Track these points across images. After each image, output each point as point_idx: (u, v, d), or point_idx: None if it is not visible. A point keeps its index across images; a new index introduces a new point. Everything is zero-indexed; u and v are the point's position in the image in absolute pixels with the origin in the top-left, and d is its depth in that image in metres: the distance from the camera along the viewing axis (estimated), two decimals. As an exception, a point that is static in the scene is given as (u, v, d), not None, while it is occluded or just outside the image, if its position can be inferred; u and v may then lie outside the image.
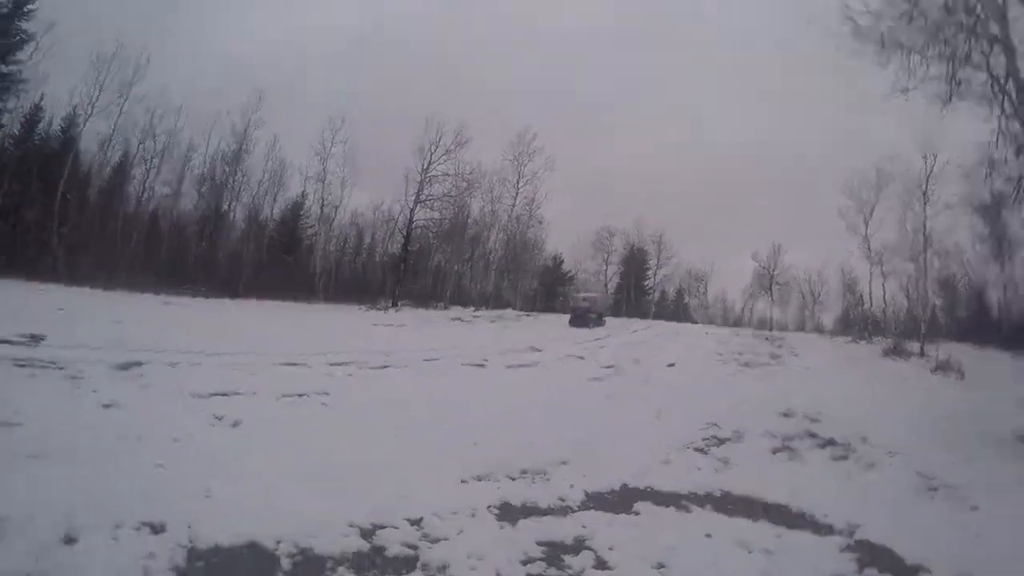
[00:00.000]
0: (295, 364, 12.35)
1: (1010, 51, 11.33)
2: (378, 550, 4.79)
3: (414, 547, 4.88)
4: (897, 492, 7.55)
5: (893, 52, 12.51)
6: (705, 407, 11.90)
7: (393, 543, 4.87)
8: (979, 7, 11.57)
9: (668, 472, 7.85)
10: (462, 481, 6.62)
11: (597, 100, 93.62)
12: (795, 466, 8.76)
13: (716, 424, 10.62)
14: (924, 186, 29.19)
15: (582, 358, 19.13)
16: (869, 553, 5.58)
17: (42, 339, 11.15)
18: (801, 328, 51.00)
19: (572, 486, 6.79)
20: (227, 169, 38.17)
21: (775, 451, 9.47)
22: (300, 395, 9.70)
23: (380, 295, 37.96)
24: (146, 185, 35.75)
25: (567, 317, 34.14)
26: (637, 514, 6.23)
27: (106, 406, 7.63)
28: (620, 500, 6.66)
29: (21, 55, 28.60)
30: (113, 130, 32.78)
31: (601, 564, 4.93)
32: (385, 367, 13.67)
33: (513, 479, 6.92)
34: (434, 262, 46.00)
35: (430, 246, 44.61)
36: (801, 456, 9.27)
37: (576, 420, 10.09)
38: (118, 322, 14.75)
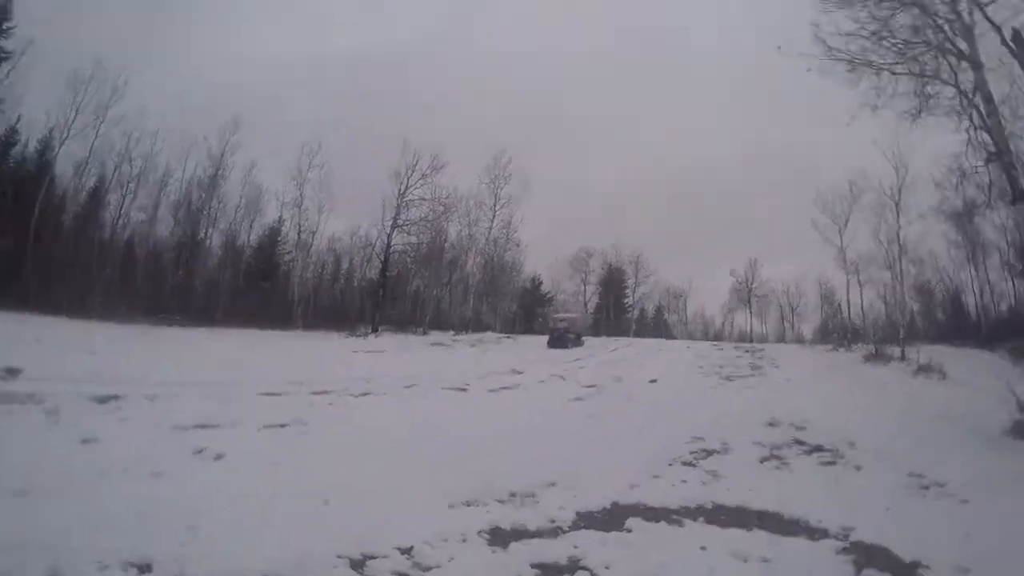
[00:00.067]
0: (276, 394, 12.21)
1: (978, 66, 11.60)
2: (369, 581, 4.69)
3: None
4: (888, 492, 7.55)
5: (863, 71, 12.74)
6: (690, 421, 11.92)
7: (384, 573, 4.77)
8: (947, 26, 11.86)
9: (658, 487, 7.78)
10: (450, 506, 6.50)
11: (573, 123, 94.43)
12: (784, 474, 8.73)
13: (702, 437, 10.61)
14: (897, 197, 29.69)
15: (563, 378, 19.15)
16: (865, 554, 5.55)
17: (19, 372, 10.95)
18: (781, 339, 51.65)
19: (562, 507, 6.69)
20: (203, 195, 37.98)
21: (763, 460, 9.45)
22: (282, 425, 9.57)
23: (359, 321, 37.68)
24: (122, 211, 35.29)
25: (546, 339, 34.14)
26: (629, 531, 6.15)
27: (85, 441, 7.45)
28: (611, 518, 6.57)
29: (-1, 73, 28.15)
30: (89, 154, 32.54)
31: (597, 583, 4.86)
32: (366, 394, 13.55)
33: (502, 502, 6.81)
34: (413, 287, 45.84)
35: (408, 271, 44.49)
36: (789, 464, 9.25)
37: (561, 440, 10.02)
38: (95, 353, 14.53)
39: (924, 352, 23.02)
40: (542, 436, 10.31)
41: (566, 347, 31.29)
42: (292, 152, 40.20)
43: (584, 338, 36.16)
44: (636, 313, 58.97)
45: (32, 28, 28.79)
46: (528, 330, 44.64)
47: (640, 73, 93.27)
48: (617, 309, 56.84)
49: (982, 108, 11.73)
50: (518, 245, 47.79)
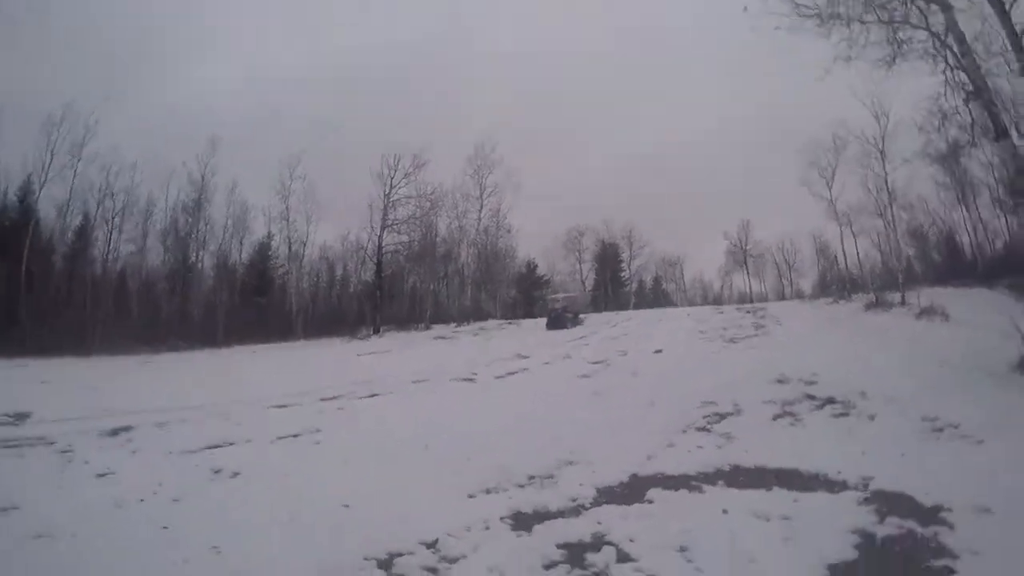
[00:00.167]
0: (284, 405, 12.19)
1: (947, 7, 11.54)
2: (398, 579, 4.71)
3: (434, 570, 4.78)
4: (903, 438, 7.58)
5: (833, 23, 12.65)
6: (699, 386, 11.90)
7: (412, 569, 4.77)
8: None
9: (674, 455, 7.80)
10: (470, 496, 6.52)
11: (554, 102, 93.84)
12: (798, 430, 8.75)
13: (713, 402, 10.60)
14: (881, 144, 29.54)
15: (569, 357, 19.13)
16: (887, 502, 5.57)
17: (27, 416, 10.95)
18: (781, 297, 51.60)
19: (581, 484, 6.71)
20: (190, 219, 38.03)
21: (776, 418, 9.46)
22: (294, 435, 9.55)
23: (360, 325, 37.67)
24: (110, 246, 35.31)
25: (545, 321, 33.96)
26: (651, 502, 6.16)
27: (100, 475, 7.46)
28: (631, 491, 6.59)
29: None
30: (70, 194, 32.73)
31: (624, 557, 4.86)
32: (374, 395, 13.54)
33: (521, 487, 6.83)
34: (409, 284, 45.74)
35: (403, 269, 44.38)
36: (802, 419, 9.26)
37: (573, 419, 10.01)
38: (100, 389, 14.51)
39: (924, 295, 23.09)
40: (554, 417, 10.29)
41: (565, 327, 30.87)
42: (273, 167, 40.46)
43: (584, 316, 35.88)
44: (634, 286, 58.85)
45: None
46: (529, 314, 44.51)
47: (622, 51, 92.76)
48: (615, 284, 56.80)
49: (956, 49, 11.68)
50: (509, 231, 47.73)
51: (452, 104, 79.22)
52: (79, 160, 32.17)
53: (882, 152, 29.60)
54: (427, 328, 37.05)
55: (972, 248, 36.69)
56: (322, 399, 12.87)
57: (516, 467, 7.34)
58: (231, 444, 9.03)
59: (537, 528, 5.56)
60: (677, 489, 6.53)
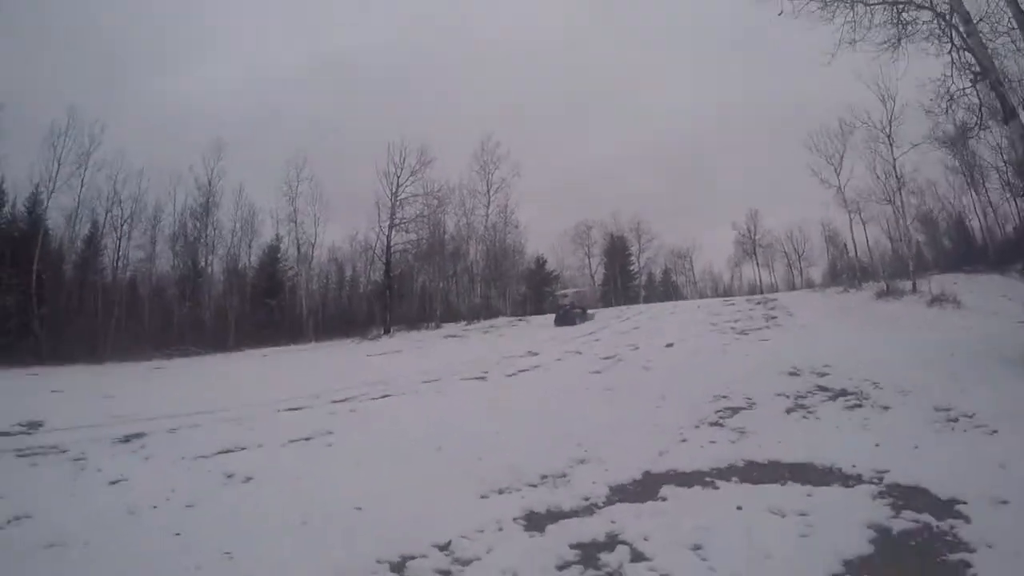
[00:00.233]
0: (296, 408, 12.21)
1: None
2: (411, 582, 4.69)
3: (447, 572, 4.77)
4: (917, 429, 7.54)
5: (836, 6, 12.56)
6: (711, 380, 11.86)
7: (425, 572, 4.76)
8: None
9: (687, 451, 7.76)
10: (482, 497, 6.50)
11: (561, 99, 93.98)
12: (812, 423, 8.69)
13: (725, 395, 10.57)
14: (888, 129, 29.39)
15: (580, 353, 19.13)
16: (903, 496, 5.54)
17: (40, 425, 10.99)
18: (791, 287, 51.35)
19: (594, 483, 6.69)
20: (198, 224, 38.21)
21: (789, 411, 9.41)
22: (306, 439, 9.55)
23: (370, 325, 37.67)
24: (119, 253, 35.57)
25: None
26: (664, 500, 6.13)
27: (113, 483, 7.47)
28: (644, 489, 6.56)
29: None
30: (78, 202, 32.88)
31: (638, 556, 4.83)
32: (386, 396, 13.54)
33: (534, 486, 6.80)
34: (419, 283, 45.71)
35: (412, 268, 44.33)
36: (815, 412, 9.20)
37: (585, 416, 9.98)
38: (112, 396, 14.53)
39: (935, 282, 22.98)
40: (566, 414, 10.27)
41: (574, 323, 30.63)
42: (278, 168, 40.63)
43: (593, 311, 35.64)
44: (643, 279, 58.81)
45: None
46: (539, 310, 44.49)
47: (633, 45, 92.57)
48: (624, 277, 56.72)
49: (961, 28, 11.59)
50: (517, 227, 47.49)
51: (452, 103, 79.54)
52: (86, 169, 32.44)
53: (890, 137, 29.48)
54: (437, 327, 36.99)
55: (983, 233, 36.50)
56: (333, 401, 12.89)
57: (528, 466, 7.31)
58: (243, 449, 9.03)
59: (550, 528, 5.53)
60: (691, 486, 6.49)
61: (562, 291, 41.15)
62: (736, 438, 8.23)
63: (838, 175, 34.71)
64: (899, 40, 12.59)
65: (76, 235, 33.81)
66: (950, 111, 13.33)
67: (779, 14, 12.70)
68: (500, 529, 5.57)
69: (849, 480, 6.18)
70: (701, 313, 28.51)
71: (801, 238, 53.98)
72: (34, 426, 10.92)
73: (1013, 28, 11.35)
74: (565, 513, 5.95)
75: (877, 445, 7.06)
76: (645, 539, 5.09)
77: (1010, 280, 22.78)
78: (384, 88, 79.05)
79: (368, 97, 78.08)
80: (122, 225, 35.17)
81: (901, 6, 12.35)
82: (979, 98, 12.54)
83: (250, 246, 40.39)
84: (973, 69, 11.82)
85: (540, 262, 53.37)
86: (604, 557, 4.86)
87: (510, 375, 15.71)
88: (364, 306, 43.00)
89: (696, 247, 60.58)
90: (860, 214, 36.30)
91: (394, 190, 40.13)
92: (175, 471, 7.97)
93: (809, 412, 9.23)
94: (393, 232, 40.38)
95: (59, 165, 31.44)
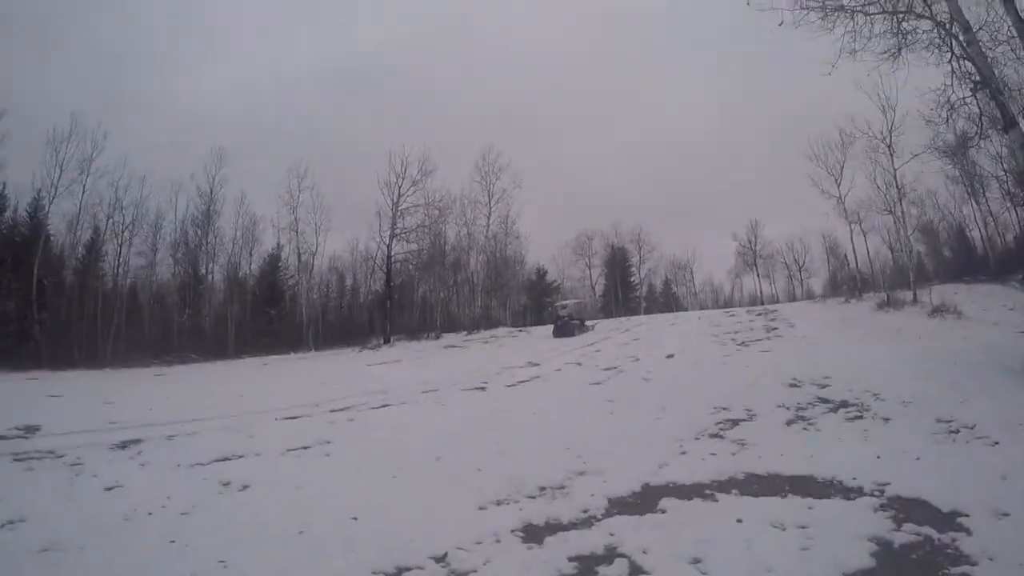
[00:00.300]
0: (295, 417, 12.18)
1: None
2: (406, 594, 4.65)
3: (443, 584, 4.73)
4: (918, 441, 7.49)
5: (836, 16, 12.57)
6: (711, 392, 11.83)
7: (421, 584, 4.72)
8: None
9: (687, 463, 7.72)
10: (480, 508, 6.47)
11: (561, 110, 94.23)
12: (812, 435, 8.64)
13: (725, 407, 10.54)
14: (888, 139, 29.34)
15: (580, 364, 19.10)
16: (904, 508, 5.51)
17: (37, 429, 10.95)
18: (792, 298, 51.31)
19: (593, 495, 6.65)
20: (199, 232, 38.16)
21: (789, 423, 9.38)
22: (304, 447, 9.53)
23: (370, 335, 37.59)
24: (120, 259, 35.44)
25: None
26: (663, 512, 6.08)
27: (109, 489, 7.46)
28: (643, 501, 6.52)
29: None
30: (80, 208, 32.76)
31: (637, 570, 4.79)
32: (386, 406, 13.50)
33: (532, 498, 6.76)
34: (419, 293, 45.58)
35: (413, 278, 44.26)
36: (816, 423, 9.17)
37: (586, 428, 9.95)
38: (111, 402, 14.51)
39: (936, 293, 22.94)
40: (566, 426, 10.25)
41: (572, 335, 30.32)
42: (279, 175, 40.63)
43: (593, 322, 35.49)
44: (644, 290, 58.71)
45: (3, 98, 29.21)
46: (539, 321, 44.32)
47: (629, 55, 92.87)
48: (624, 288, 56.60)
49: (961, 38, 11.60)
50: (518, 237, 47.36)
51: (453, 107, 79.44)
52: (88, 175, 32.38)
53: (890, 147, 29.41)
54: (438, 337, 36.89)
55: (983, 242, 36.41)
56: (332, 410, 12.85)
57: (527, 478, 7.28)
58: (241, 457, 9.01)
59: (549, 540, 5.49)
60: (690, 498, 6.45)
61: (561, 302, 41.02)
62: (736, 450, 8.19)
63: (838, 185, 34.71)
64: (899, 50, 12.61)
65: (77, 241, 33.78)
66: (950, 120, 13.32)
67: (779, 24, 12.71)
68: (498, 541, 5.52)
69: (850, 493, 6.14)
70: (701, 324, 28.49)
71: (802, 249, 53.96)
72: (31, 430, 10.88)
73: (1013, 37, 11.37)
74: (564, 525, 5.91)
75: (878, 457, 7.02)
76: (644, 552, 5.05)
77: (1011, 290, 22.74)
78: (381, 89, 79.39)
79: (368, 101, 78.33)
80: (123, 232, 35.12)
81: (901, 16, 12.37)
82: (979, 107, 12.55)
83: (251, 254, 40.35)
84: (973, 78, 11.82)
85: (541, 273, 53.25)
86: (603, 570, 4.82)
87: (510, 386, 15.67)
88: (364, 316, 42.88)
89: (696, 258, 60.51)
90: (861, 224, 36.31)
91: (395, 200, 40.13)
92: (172, 478, 7.95)
93: (810, 424, 9.19)
94: (394, 242, 40.39)
95: (61, 170, 31.45)
